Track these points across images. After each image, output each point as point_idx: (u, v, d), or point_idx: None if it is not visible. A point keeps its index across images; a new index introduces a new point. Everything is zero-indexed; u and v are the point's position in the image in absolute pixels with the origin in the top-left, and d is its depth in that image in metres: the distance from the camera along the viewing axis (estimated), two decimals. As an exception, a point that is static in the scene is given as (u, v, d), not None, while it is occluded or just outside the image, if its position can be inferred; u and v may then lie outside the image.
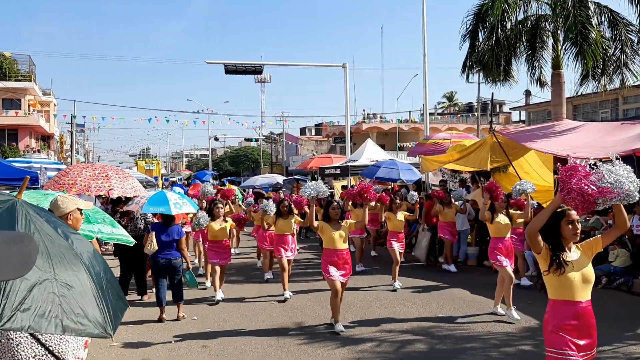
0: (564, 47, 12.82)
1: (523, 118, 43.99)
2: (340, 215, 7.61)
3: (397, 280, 10.26)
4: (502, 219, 8.54)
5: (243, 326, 7.85)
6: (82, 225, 5.41)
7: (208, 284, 10.53)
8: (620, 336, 6.91)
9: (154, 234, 8.19)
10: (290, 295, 9.49)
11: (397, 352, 6.56)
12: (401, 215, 10.89)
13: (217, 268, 9.33)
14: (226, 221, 9.44)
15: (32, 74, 39.19)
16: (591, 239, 4.10)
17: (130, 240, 6.32)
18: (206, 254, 10.79)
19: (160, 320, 8.08)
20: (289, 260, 9.92)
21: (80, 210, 4.11)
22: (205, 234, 10.78)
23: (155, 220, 9.33)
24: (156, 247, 8.13)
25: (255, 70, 25.33)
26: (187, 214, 10.74)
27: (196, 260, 12.50)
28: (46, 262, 2.19)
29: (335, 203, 7.73)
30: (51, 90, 45.39)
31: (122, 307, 2.60)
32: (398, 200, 11.10)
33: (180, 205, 8.85)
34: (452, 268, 12.04)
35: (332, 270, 7.41)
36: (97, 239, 5.90)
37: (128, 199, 10.81)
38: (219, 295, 9.31)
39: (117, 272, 9.08)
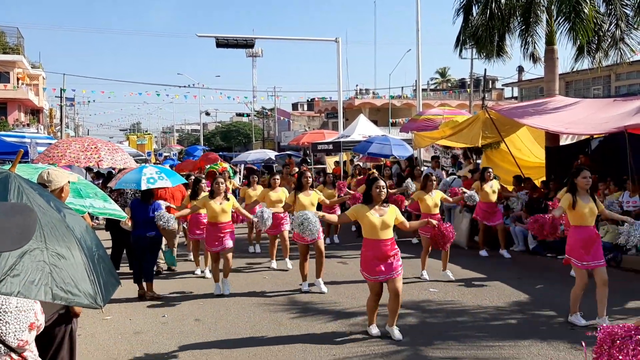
0: (557, 22, 12.74)
1: (515, 94, 44.02)
2: (385, 198, 6.15)
3: (425, 270, 9.07)
4: (585, 202, 6.51)
5: (235, 300, 7.87)
6: (74, 200, 5.40)
7: (207, 273, 9.49)
8: (608, 310, 6.98)
9: (129, 210, 8.15)
10: (325, 290, 8.30)
11: (388, 326, 6.62)
12: (437, 196, 9.18)
13: (216, 257, 8.26)
14: (227, 199, 8.29)
15: (20, 47, 38.65)
16: None
17: (122, 215, 6.31)
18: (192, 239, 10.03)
19: (139, 296, 8.11)
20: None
21: (68, 182, 4.09)
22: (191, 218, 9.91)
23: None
24: (129, 224, 8.11)
25: (247, 44, 25.10)
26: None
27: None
28: (38, 231, 2.18)
29: (381, 182, 6.16)
30: (40, 64, 44.84)
31: (113, 284, 2.59)
32: (434, 178, 9.40)
33: (154, 179, 8.41)
34: (484, 252, 10.99)
35: (375, 267, 5.99)
36: (88, 213, 5.87)
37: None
38: (225, 288, 8.24)
39: (108, 247, 9.07)
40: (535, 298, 7.74)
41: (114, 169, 14.91)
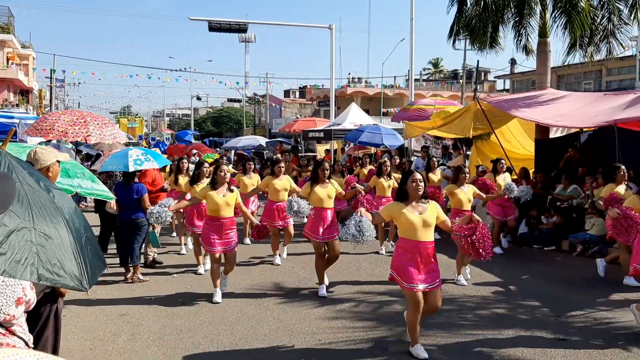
0: (552, 15, 12.77)
1: (507, 87, 44.14)
2: (423, 193, 5.26)
3: (462, 274, 8.10)
4: None
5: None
6: (62, 180, 5.37)
7: (201, 270, 8.62)
8: (592, 302, 7.08)
9: (114, 193, 8.11)
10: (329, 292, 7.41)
11: (374, 312, 6.66)
12: (470, 191, 8.29)
13: (217, 257, 7.05)
14: (232, 190, 7.11)
15: (10, 26, 38.12)
16: None
17: (110, 196, 6.30)
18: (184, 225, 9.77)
19: (125, 279, 8.09)
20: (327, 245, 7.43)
21: (58, 162, 4.06)
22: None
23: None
24: (114, 206, 8.08)
25: (240, 28, 24.94)
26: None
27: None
28: (26, 211, 2.17)
29: (418, 175, 5.26)
30: (30, 43, 44.29)
31: (100, 266, 2.59)
32: (467, 170, 8.54)
33: (141, 161, 8.34)
34: (498, 250, 10.09)
35: (412, 272, 5.08)
36: (76, 193, 5.84)
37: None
38: (224, 283, 7.38)
39: (97, 229, 9.04)
40: (520, 288, 7.81)
41: (102, 151, 14.82)
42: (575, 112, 11.30)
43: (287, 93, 63.64)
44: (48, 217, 2.28)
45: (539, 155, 12.75)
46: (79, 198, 13.10)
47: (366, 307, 6.88)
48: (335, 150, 22.34)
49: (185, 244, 10.17)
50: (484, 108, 12.37)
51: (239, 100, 62.41)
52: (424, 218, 5.14)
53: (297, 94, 62.37)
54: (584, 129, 12.16)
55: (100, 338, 5.80)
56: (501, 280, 8.21)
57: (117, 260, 8.53)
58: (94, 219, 9.35)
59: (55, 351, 3.87)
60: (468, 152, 15.20)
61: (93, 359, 5.24)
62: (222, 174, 7.04)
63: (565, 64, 13.60)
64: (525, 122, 12.77)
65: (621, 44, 12.92)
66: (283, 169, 9.53)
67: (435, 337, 5.79)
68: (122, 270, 8.27)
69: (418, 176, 5.21)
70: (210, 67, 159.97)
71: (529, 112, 11.63)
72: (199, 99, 62.54)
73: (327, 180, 7.59)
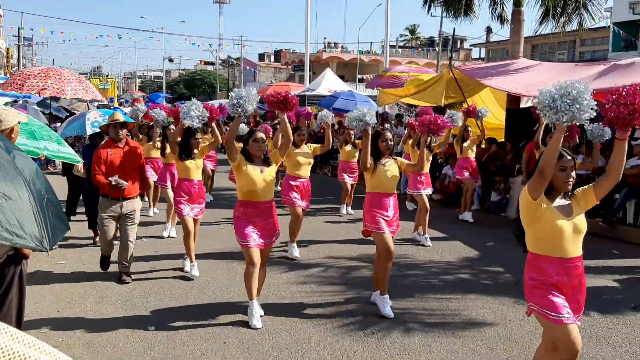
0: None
1: (483, 55, 44.27)
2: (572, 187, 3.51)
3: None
4: None
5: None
6: (28, 142, 5.30)
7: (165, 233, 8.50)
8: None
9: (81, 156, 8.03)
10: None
11: (342, 277, 6.77)
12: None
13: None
14: (269, 164, 5.27)
15: (-26, -19, 36.80)
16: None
17: (77, 159, 6.23)
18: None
19: (94, 243, 8.05)
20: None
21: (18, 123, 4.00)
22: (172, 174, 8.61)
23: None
24: (82, 169, 8.01)
25: (214, -11, 24.41)
26: None
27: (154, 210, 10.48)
28: None
29: (570, 160, 3.44)
30: (-4, 0, 42.87)
31: (62, 228, 2.59)
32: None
33: (99, 122, 8.17)
34: (469, 217, 10.30)
35: (558, 301, 3.46)
36: (43, 156, 5.77)
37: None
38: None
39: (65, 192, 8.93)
40: (484, 254, 8.00)
41: (73, 113, 14.52)
42: (545, 82, 11.21)
43: (261, 57, 62.88)
44: (7, 178, 2.28)
45: (509, 124, 12.90)
46: (47, 161, 12.91)
47: (334, 272, 6.98)
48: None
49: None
50: (457, 76, 12.42)
51: (212, 63, 61.51)
52: (576, 223, 3.44)
53: (272, 57, 61.71)
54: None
55: (68, 301, 5.80)
56: (466, 247, 8.38)
57: (85, 224, 8.46)
58: (61, 182, 9.24)
59: (20, 312, 3.87)
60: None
61: (61, 321, 5.25)
62: (257, 145, 5.15)
63: (537, 33, 13.67)
64: (497, 91, 12.87)
65: (592, 16, 13.03)
66: (305, 139, 8.07)
67: (402, 301, 5.92)
68: (91, 233, 8.22)
69: (569, 161, 3.44)
70: (183, 28, 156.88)
71: (500, 81, 11.71)
72: (171, 60, 61.61)
73: (389, 157, 5.77)
